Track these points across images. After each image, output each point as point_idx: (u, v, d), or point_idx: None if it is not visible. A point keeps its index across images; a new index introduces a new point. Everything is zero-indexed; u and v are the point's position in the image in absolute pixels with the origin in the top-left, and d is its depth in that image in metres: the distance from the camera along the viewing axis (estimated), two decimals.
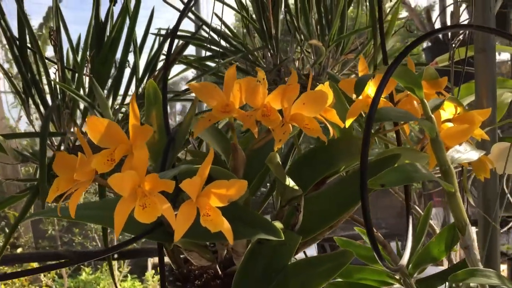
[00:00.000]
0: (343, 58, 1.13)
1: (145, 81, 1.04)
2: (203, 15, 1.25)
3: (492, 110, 0.68)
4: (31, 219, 0.60)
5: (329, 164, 0.62)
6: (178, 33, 1.05)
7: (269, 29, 1.05)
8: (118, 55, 1.00)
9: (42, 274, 3.49)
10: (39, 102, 0.98)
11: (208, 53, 1.14)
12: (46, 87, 0.98)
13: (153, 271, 3.81)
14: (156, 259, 3.92)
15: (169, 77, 0.99)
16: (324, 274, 0.49)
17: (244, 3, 1.13)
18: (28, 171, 3.48)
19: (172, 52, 0.85)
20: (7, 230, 3.82)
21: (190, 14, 1.20)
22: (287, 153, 0.83)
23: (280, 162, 0.57)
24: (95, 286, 3.86)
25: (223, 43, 1.12)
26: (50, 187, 0.90)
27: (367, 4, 1.16)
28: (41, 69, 0.98)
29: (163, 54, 1.08)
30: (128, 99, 1.03)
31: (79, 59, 0.97)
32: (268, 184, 0.78)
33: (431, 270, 0.82)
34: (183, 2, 1.16)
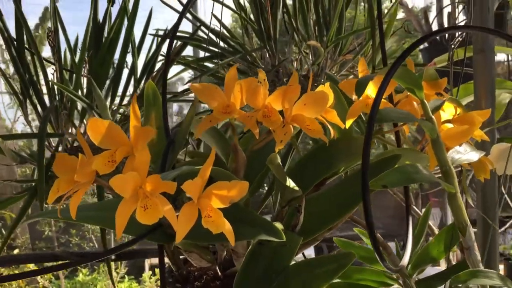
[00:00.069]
0: (341, 59, 1.14)
1: (143, 82, 1.04)
2: (200, 15, 1.25)
3: (491, 111, 0.68)
4: (31, 220, 0.60)
5: (329, 165, 0.62)
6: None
7: (268, 30, 1.05)
8: (116, 55, 0.99)
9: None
10: (36, 103, 0.98)
11: (206, 54, 1.14)
12: (44, 88, 0.98)
13: (150, 272, 3.80)
14: (153, 260, 3.92)
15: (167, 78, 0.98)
16: (326, 276, 0.49)
17: (242, 4, 1.13)
18: (24, 172, 3.46)
19: (167, 53, 0.84)
20: (3, 231, 3.80)
21: (187, 14, 1.19)
22: (285, 153, 0.83)
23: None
24: None
25: (221, 43, 1.11)
26: (48, 188, 0.90)
27: (365, 5, 1.17)
28: (39, 70, 0.98)
29: (161, 55, 1.08)
30: (126, 100, 1.03)
31: (77, 60, 0.97)
32: (265, 185, 0.78)
33: (429, 270, 0.82)
34: (181, 3, 1.15)
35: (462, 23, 1.80)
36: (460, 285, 0.56)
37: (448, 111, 0.63)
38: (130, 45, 0.99)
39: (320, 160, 0.62)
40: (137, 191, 0.41)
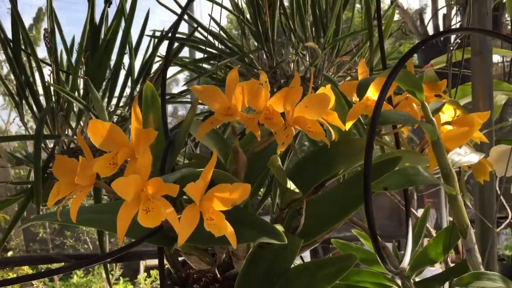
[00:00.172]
0: (338, 61, 1.14)
1: (140, 83, 1.03)
2: (196, 16, 1.24)
3: (490, 113, 0.68)
4: (29, 224, 0.60)
5: (329, 167, 0.62)
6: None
7: (266, 31, 1.05)
8: (113, 57, 0.99)
9: None
10: (33, 104, 0.97)
11: (203, 55, 1.14)
12: (40, 89, 0.97)
13: (145, 274, 3.78)
14: (148, 262, 3.90)
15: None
16: (327, 278, 0.49)
17: (240, 6, 1.13)
18: (18, 173, 3.44)
19: (166, 55, 0.84)
20: None
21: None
22: (283, 155, 0.83)
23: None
24: None
25: (218, 45, 1.11)
26: (44, 190, 0.90)
27: (362, 6, 1.17)
28: (35, 71, 0.97)
29: (158, 56, 1.08)
30: (123, 101, 1.03)
31: (73, 61, 0.96)
32: (261, 187, 0.78)
33: (426, 272, 0.83)
34: (178, 4, 1.15)
35: (457, 25, 1.81)
36: None
37: (448, 113, 0.63)
38: (128, 46, 0.98)
39: (320, 162, 0.62)
40: (139, 194, 0.41)
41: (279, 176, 0.53)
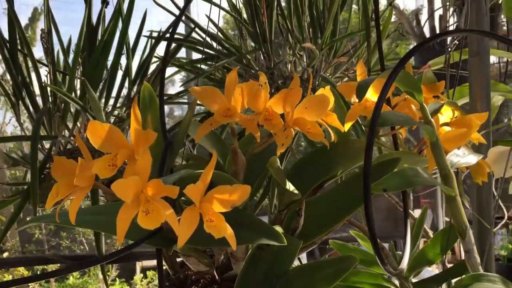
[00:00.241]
0: (335, 61, 1.14)
1: (137, 83, 1.03)
2: (193, 16, 1.24)
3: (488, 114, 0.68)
4: (26, 226, 0.59)
5: (328, 168, 0.62)
6: (169, 35, 1.04)
7: (263, 32, 1.05)
8: (110, 57, 0.99)
9: None
10: (29, 105, 0.97)
11: (200, 55, 1.13)
12: (36, 89, 0.97)
13: (142, 274, 3.77)
14: (144, 263, 3.89)
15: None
16: (327, 279, 0.48)
17: (237, 6, 1.13)
18: (13, 174, 3.42)
19: (164, 55, 0.84)
20: None
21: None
22: (280, 156, 0.83)
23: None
24: None
25: (215, 45, 1.11)
26: (40, 191, 0.89)
27: (359, 7, 1.17)
28: (32, 72, 0.97)
29: (155, 57, 1.07)
30: (120, 102, 1.02)
31: (70, 61, 0.96)
32: (260, 189, 0.78)
33: (423, 272, 0.83)
34: (175, 4, 1.15)
35: (454, 26, 1.81)
36: None
37: (446, 114, 0.63)
38: (125, 47, 0.98)
39: (319, 163, 0.62)
40: (139, 196, 0.41)
41: (278, 177, 0.53)
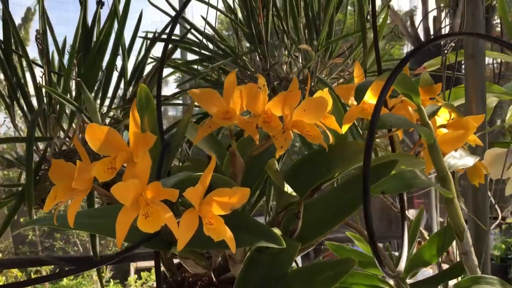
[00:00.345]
0: (331, 63, 1.14)
1: (132, 84, 1.03)
2: (187, 16, 1.24)
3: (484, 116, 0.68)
4: (23, 229, 0.59)
5: (326, 170, 0.62)
6: (164, 36, 1.04)
7: (259, 33, 1.05)
8: (106, 58, 0.98)
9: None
10: (24, 106, 0.96)
11: (195, 56, 1.13)
12: (31, 90, 0.96)
13: (136, 275, 3.77)
14: (139, 264, 3.88)
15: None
16: (326, 282, 0.48)
17: (232, 7, 1.13)
18: (6, 175, 3.40)
19: (161, 57, 0.84)
20: None
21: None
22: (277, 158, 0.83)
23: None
24: None
25: (211, 46, 1.11)
26: (35, 193, 0.89)
27: (354, 9, 1.17)
28: (27, 72, 0.96)
29: (151, 57, 1.07)
30: (116, 103, 1.02)
31: (65, 62, 0.95)
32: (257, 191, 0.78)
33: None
34: (171, 5, 1.15)
35: (448, 27, 1.82)
36: None
37: (443, 116, 0.63)
38: (120, 48, 0.98)
39: (317, 165, 0.62)
40: (138, 199, 0.41)
41: (276, 180, 0.53)
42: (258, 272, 0.51)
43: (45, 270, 3.43)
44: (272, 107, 0.50)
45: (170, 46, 1.04)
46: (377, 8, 1.23)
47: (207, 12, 0.94)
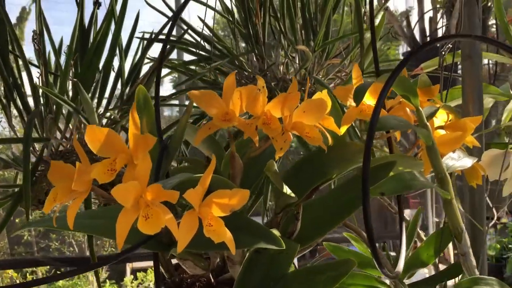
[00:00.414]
0: (328, 63, 1.14)
1: (129, 85, 1.03)
2: (184, 16, 1.24)
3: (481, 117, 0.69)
4: (21, 230, 0.59)
5: (324, 171, 0.62)
6: (161, 36, 1.04)
7: (256, 33, 1.05)
8: (103, 58, 0.98)
9: (18, 281, 3.41)
10: (21, 106, 0.96)
11: (191, 57, 1.13)
12: (28, 91, 0.96)
13: (132, 276, 3.76)
14: (134, 264, 3.88)
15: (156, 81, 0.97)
16: (325, 283, 0.48)
17: (230, 8, 1.13)
18: (1, 175, 3.38)
19: (160, 57, 0.84)
20: None
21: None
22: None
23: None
24: None
25: (208, 47, 1.11)
26: (32, 193, 0.88)
27: (351, 10, 1.18)
28: (23, 72, 0.96)
29: (147, 58, 1.07)
30: (113, 104, 1.02)
31: (62, 62, 0.95)
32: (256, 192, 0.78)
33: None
34: (167, 6, 1.15)
35: (444, 28, 1.82)
36: None
37: (440, 117, 0.64)
38: (118, 49, 0.98)
39: (315, 166, 0.62)
40: (138, 201, 0.41)
41: (275, 181, 0.53)
42: (257, 273, 0.51)
43: (40, 270, 3.42)
44: (271, 108, 0.50)
45: (167, 46, 1.04)
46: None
47: (205, 13, 0.94)
